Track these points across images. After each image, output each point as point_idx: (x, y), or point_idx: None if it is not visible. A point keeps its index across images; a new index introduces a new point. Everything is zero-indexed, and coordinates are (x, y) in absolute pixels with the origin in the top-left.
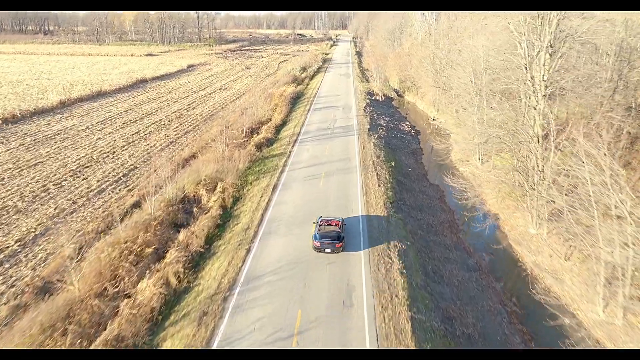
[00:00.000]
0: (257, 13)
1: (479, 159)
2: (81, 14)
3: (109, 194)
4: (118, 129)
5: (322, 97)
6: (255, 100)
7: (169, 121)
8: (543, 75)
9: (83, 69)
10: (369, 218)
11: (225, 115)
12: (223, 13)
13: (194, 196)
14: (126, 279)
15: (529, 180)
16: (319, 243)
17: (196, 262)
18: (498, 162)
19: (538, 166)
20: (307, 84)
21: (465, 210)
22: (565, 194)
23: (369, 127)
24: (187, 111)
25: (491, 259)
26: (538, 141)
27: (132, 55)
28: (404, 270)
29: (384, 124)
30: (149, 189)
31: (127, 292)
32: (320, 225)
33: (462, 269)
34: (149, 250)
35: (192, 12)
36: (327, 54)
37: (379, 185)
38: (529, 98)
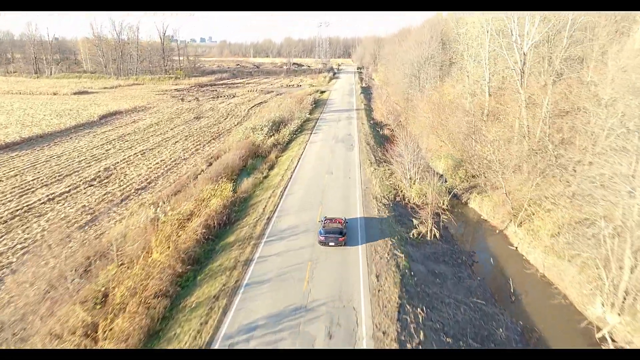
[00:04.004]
0: (256, 41)
1: None
2: (16, 37)
3: None
4: None
5: (280, 241)
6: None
7: None
8: None
9: None
10: None
11: None
12: (218, 41)
13: None
14: None
15: None
16: (323, 237)
17: None
18: None
19: None
20: (270, 169)
21: None
22: None
23: None
24: None
25: None
26: None
27: (54, 93)
28: None
29: None
30: None
31: None
32: (325, 222)
33: None
34: None
35: (157, 39)
36: (323, 92)
37: None
38: None
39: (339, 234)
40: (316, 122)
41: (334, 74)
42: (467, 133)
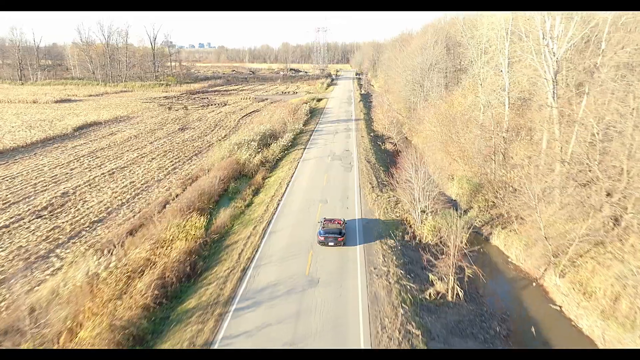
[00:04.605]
0: (253, 46)
1: None
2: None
3: None
4: None
5: (254, 308)
6: None
7: None
8: None
9: None
10: None
11: None
12: (216, 46)
13: None
14: None
15: None
16: (323, 237)
17: None
18: None
19: None
20: (254, 194)
21: None
22: None
23: None
24: None
25: None
26: None
27: (34, 102)
28: None
29: None
30: None
31: None
32: (324, 223)
33: None
34: None
35: (148, 45)
36: (320, 99)
37: None
38: None
39: (338, 234)
40: (311, 135)
41: (332, 80)
42: (487, 153)
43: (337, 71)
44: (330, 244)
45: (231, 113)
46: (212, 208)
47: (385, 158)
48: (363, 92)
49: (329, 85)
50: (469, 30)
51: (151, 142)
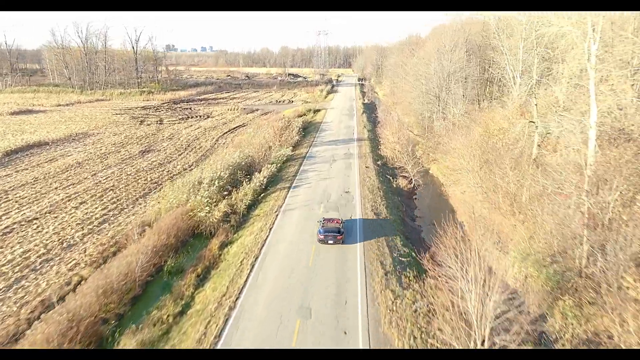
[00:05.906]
0: (252, 50)
1: None
2: None
3: None
4: None
5: None
6: None
7: None
8: None
9: None
10: None
11: None
12: (217, 49)
13: None
14: None
15: None
16: (323, 236)
17: None
18: None
19: None
20: (199, 283)
21: None
22: None
23: None
24: None
25: None
26: None
27: None
28: None
29: None
30: None
31: None
32: (323, 223)
33: None
34: None
35: (130, 49)
36: (318, 111)
37: None
38: None
39: (337, 232)
40: (301, 165)
41: (333, 86)
42: (580, 227)
43: (339, 76)
44: (329, 241)
45: (211, 129)
46: (123, 314)
47: (400, 205)
48: (366, 100)
49: (329, 93)
50: (503, 33)
51: (95, 173)
